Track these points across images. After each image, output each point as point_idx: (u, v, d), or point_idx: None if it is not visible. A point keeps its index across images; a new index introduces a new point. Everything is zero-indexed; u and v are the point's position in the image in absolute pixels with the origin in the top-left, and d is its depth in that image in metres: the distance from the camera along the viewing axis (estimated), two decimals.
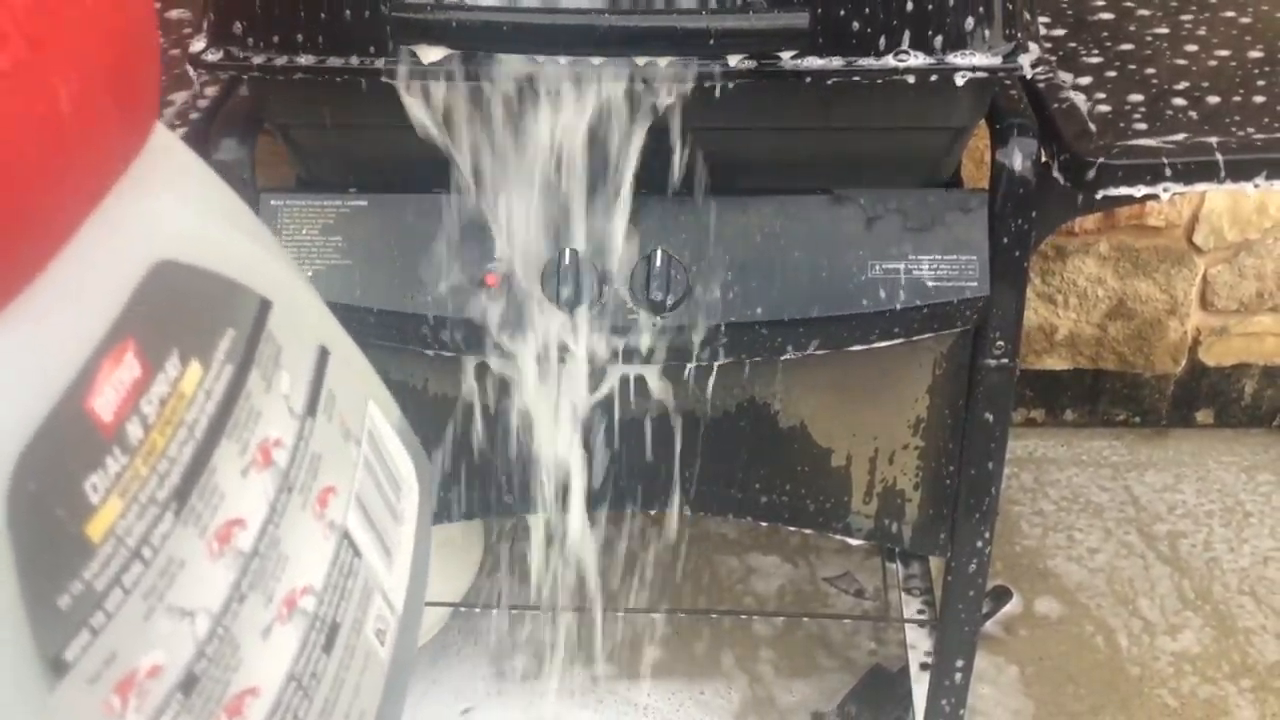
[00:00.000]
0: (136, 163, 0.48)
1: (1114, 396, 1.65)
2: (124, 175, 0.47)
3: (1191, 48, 0.92)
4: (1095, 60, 0.91)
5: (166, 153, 0.51)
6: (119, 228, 0.45)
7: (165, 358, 0.46)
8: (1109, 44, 0.94)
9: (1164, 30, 0.95)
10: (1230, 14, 0.98)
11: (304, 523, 0.54)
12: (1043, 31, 0.94)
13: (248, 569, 0.50)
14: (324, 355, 0.58)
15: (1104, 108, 0.85)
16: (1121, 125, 0.83)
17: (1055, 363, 1.61)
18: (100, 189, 0.45)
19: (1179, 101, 0.85)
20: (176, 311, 0.48)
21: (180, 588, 0.46)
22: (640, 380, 0.92)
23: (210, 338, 0.49)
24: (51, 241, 0.42)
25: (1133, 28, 0.96)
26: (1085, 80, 0.88)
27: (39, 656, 0.39)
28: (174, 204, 0.50)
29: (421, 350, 0.89)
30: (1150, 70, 0.90)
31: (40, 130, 0.40)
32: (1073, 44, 0.94)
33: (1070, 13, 0.99)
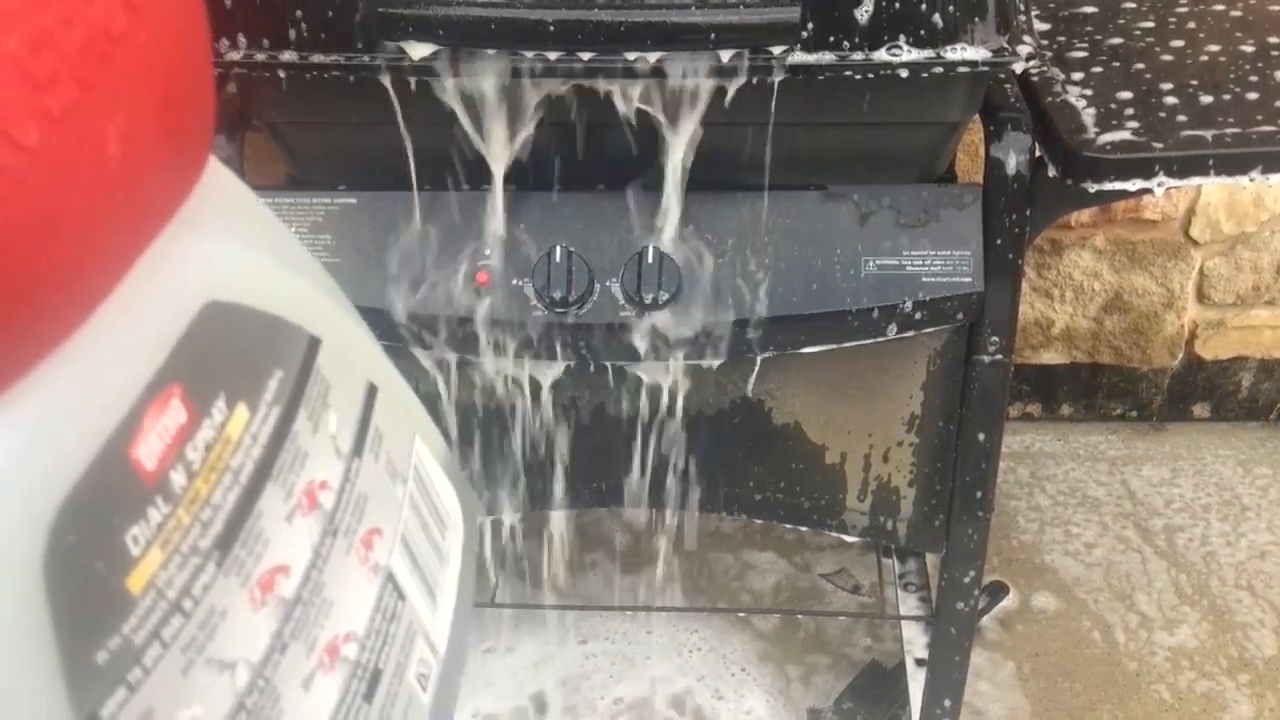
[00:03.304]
0: (188, 201, 0.46)
1: (1110, 391, 1.64)
2: (175, 214, 0.45)
3: (1178, 42, 0.92)
4: (1084, 55, 0.91)
5: (218, 188, 0.49)
6: (168, 269, 0.43)
7: (212, 402, 0.44)
8: (1098, 38, 0.93)
9: (1151, 24, 0.95)
10: (1220, 7, 0.97)
11: (348, 567, 0.52)
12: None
13: (290, 617, 0.48)
14: (372, 392, 0.56)
15: (1096, 103, 0.84)
16: (1115, 121, 0.82)
17: (1052, 357, 1.61)
18: (150, 231, 0.43)
19: (1170, 100, 0.85)
20: (224, 353, 0.46)
21: (220, 639, 0.44)
22: (632, 378, 0.92)
23: (258, 379, 0.47)
24: (98, 288, 0.40)
25: (1121, 21, 0.96)
26: (1077, 75, 0.88)
27: (74, 715, 0.37)
28: (225, 243, 0.48)
29: (412, 349, 0.88)
30: (1141, 65, 0.89)
31: (88, 175, 0.38)
32: (1061, 38, 0.93)
33: (1053, 4, 0.99)
